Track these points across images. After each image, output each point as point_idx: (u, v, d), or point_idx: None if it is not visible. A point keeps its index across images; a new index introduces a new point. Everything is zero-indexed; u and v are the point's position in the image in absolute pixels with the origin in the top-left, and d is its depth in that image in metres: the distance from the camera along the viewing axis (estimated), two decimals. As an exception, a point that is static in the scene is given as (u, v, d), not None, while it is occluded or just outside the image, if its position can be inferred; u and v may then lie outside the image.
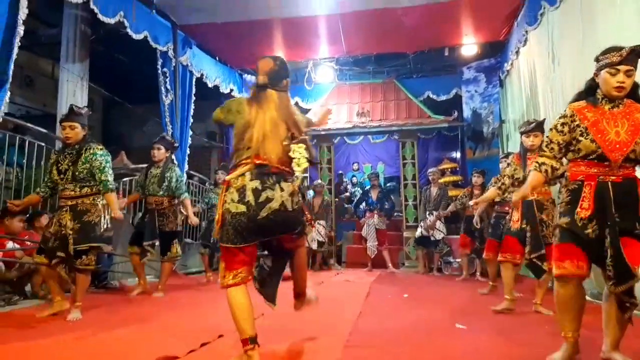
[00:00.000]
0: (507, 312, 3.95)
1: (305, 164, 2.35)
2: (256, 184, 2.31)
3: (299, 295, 2.78)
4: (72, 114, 3.70)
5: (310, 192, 8.52)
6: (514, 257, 4.01)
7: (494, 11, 7.06)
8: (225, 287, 2.32)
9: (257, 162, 2.34)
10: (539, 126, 3.89)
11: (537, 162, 2.49)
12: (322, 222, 8.12)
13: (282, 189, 2.33)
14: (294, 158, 2.34)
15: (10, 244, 4.52)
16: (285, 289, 2.66)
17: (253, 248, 2.39)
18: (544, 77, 5.89)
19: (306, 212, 2.57)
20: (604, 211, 2.24)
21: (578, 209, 2.29)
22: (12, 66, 4.09)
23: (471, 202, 5.05)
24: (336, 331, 3.15)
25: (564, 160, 2.49)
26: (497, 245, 4.85)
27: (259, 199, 2.28)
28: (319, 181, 8.61)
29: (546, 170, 2.45)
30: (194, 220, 5.18)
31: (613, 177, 2.28)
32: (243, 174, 2.33)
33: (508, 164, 4.12)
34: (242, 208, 2.28)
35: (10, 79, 4.06)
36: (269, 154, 2.35)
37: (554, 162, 2.44)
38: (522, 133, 3.97)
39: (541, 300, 3.95)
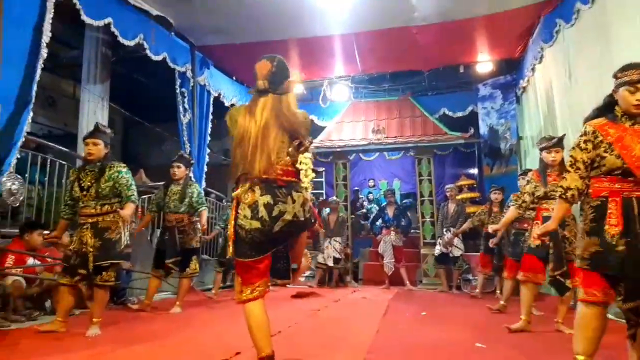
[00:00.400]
0: (520, 332, 3.86)
1: (312, 175, 2.41)
2: (267, 198, 2.26)
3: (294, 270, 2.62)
4: (97, 131, 3.79)
5: (326, 210, 8.53)
6: (535, 276, 3.93)
7: (509, 29, 7.07)
8: (243, 302, 2.30)
9: (264, 176, 2.27)
10: (560, 142, 3.86)
11: (562, 188, 2.42)
12: (338, 238, 8.09)
13: (293, 201, 2.30)
14: (301, 169, 2.35)
15: (30, 260, 4.60)
16: (300, 304, 2.66)
17: (268, 259, 2.37)
18: (560, 94, 5.86)
19: (317, 220, 2.56)
20: (629, 227, 2.21)
21: (607, 227, 2.25)
22: (35, 87, 4.22)
23: (491, 229, 4.88)
24: (354, 349, 3.12)
25: None
26: (517, 265, 4.77)
27: (273, 214, 2.25)
28: (334, 198, 8.61)
29: (573, 196, 2.39)
30: (203, 222, 5.17)
31: (638, 193, 2.24)
32: (252, 189, 2.28)
33: (528, 181, 4.06)
34: (256, 224, 2.24)
35: (33, 100, 4.18)
36: (270, 167, 2.27)
37: (579, 184, 2.37)
38: (542, 149, 3.93)
39: (563, 319, 3.87)
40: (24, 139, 4.12)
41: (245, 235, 2.27)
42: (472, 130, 9.04)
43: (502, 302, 5.09)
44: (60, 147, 6.08)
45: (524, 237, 4.57)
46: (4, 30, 3.89)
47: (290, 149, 2.33)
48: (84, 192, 3.70)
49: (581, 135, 2.41)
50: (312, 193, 9.76)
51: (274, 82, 2.36)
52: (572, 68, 5.38)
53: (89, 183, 3.71)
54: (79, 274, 3.63)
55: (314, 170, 2.30)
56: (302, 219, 2.34)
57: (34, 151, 5.49)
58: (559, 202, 2.47)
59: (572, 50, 5.41)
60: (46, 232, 4.25)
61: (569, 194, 2.39)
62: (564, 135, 4.05)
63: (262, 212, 2.24)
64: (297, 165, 2.36)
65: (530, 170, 4.89)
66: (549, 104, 6.46)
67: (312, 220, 2.46)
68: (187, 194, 5.08)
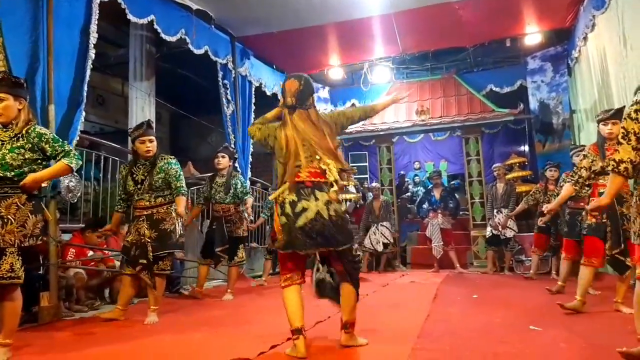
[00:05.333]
0: (573, 312, 3.72)
1: (336, 175, 2.53)
2: (292, 197, 2.54)
3: (346, 325, 2.68)
4: (149, 128, 3.93)
5: (370, 195, 8.49)
6: (599, 261, 3.76)
7: (558, -4, 6.71)
8: (282, 287, 2.64)
9: (296, 180, 2.56)
10: (617, 113, 3.63)
11: (614, 162, 2.29)
12: (386, 223, 8.04)
13: (316, 199, 2.52)
14: (325, 170, 2.54)
15: (90, 253, 4.85)
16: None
17: (300, 257, 2.63)
18: (615, 63, 5.52)
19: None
20: None
21: None
22: (85, 87, 4.38)
23: (545, 209, 4.64)
24: (403, 334, 3.10)
25: None
26: (576, 245, 4.59)
27: (296, 210, 2.51)
28: (375, 184, 8.52)
29: (626, 169, 2.26)
30: (249, 208, 5.39)
31: None
32: (283, 191, 2.58)
33: (584, 156, 3.84)
34: (284, 220, 2.54)
35: (85, 100, 4.35)
36: (301, 171, 2.57)
37: (632, 156, 2.23)
38: (599, 121, 3.74)
39: (622, 299, 3.69)
40: (78, 138, 4.29)
41: (280, 230, 2.56)
42: (521, 106, 8.68)
43: (560, 283, 4.91)
44: (112, 144, 6.34)
45: (581, 217, 4.38)
46: (54, 34, 4.05)
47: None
48: (138, 186, 3.84)
49: (632, 105, 2.27)
50: (357, 177, 9.73)
51: (301, 99, 2.66)
52: (627, 35, 5.05)
53: (142, 177, 3.85)
54: (140, 263, 3.78)
55: (340, 169, 2.39)
56: (326, 217, 2.49)
57: (88, 149, 5.74)
58: (612, 176, 2.35)
59: (627, 16, 5.06)
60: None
61: (621, 167, 2.27)
62: (624, 106, 3.81)
63: (287, 208, 2.54)
64: (322, 166, 2.56)
65: (583, 146, 4.65)
66: (603, 74, 6.10)
67: (345, 227, 2.58)
68: (232, 185, 5.20)
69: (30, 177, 2.70)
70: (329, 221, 2.50)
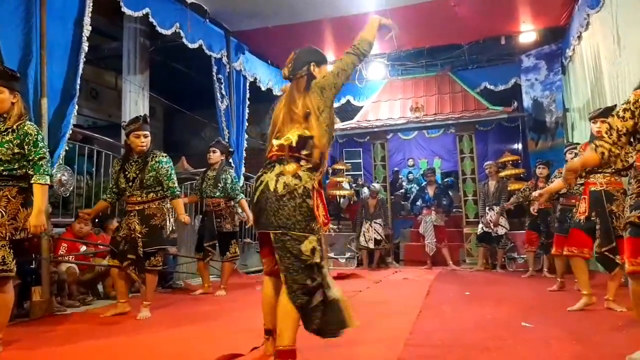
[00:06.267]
0: (587, 309, 3.73)
1: (286, 140, 2.19)
2: (260, 172, 2.27)
3: (270, 332, 2.39)
4: (145, 123, 3.89)
5: (365, 191, 8.50)
6: (581, 251, 3.80)
7: (553, -6, 6.73)
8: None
9: (268, 155, 2.30)
10: (606, 111, 3.66)
11: (594, 144, 2.37)
12: (379, 220, 8.07)
13: (272, 171, 2.18)
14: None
15: (83, 248, 4.82)
16: (341, 286, 2.66)
17: (267, 239, 2.21)
18: (609, 62, 5.55)
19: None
20: None
21: None
22: (78, 80, 4.34)
23: (535, 193, 4.77)
24: (396, 330, 3.11)
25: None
26: (564, 240, 4.64)
27: (257, 184, 2.24)
28: (375, 185, 8.52)
29: (602, 153, 2.31)
30: (251, 219, 5.27)
31: None
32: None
33: (576, 154, 3.91)
34: (252, 197, 2.28)
35: (77, 93, 4.31)
36: (274, 145, 2.26)
37: (613, 148, 2.29)
38: (590, 119, 3.80)
39: (613, 296, 3.72)
40: (70, 131, 4.25)
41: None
42: (515, 104, 8.72)
43: (559, 280, 5.02)
44: (106, 138, 6.29)
45: (571, 213, 4.44)
46: (47, 26, 4.01)
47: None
48: (130, 183, 3.82)
49: (623, 104, 2.31)
50: (350, 175, 9.73)
51: (293, 69, 2.40)
52: (621, 34, 5.09)
53: (134, 174, 3.82)
54: (128, 258, 3.77)
55: (302, 137, 2.06)
56: (272, 189, 2.11)
57: (81, 143, 5.70)
58: (588, 150, 2.41)
59: (621, 16, 5.09)
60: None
61: (598, 150, 2.32)
62: (614, 105, 3.84)
63: (254, 184, 2.28)
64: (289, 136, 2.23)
65: (577, 144, 4.69)
66: (597, 73, 6.14)
67: (293, 207, 2.10)
68: (221, 180, 5.17)
69: (30, 224, 2.70)
70: (272, 194, 2.11)
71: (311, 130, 2.21)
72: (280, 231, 2.08)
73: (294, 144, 2.18)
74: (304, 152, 2.20)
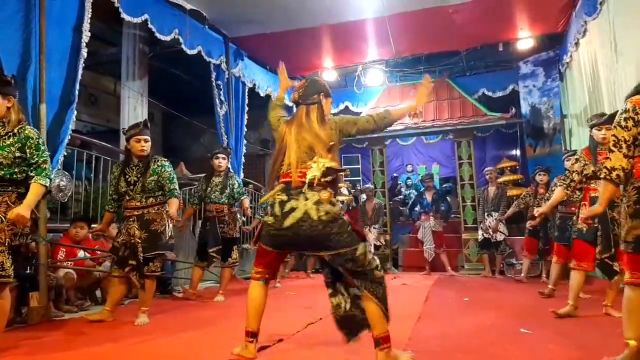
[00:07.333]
0: (567, 317, 3.75)
1: (317, 172, 2.40)
2: (283, 196, 2.47)
3: (378, 341, 2.56)
4: (146, 127, 3.90)
5: (363, 196, 8.50)
6: (588, 265, 3.79)
7: (550, 2, 6.76)
8: (250, 279, 2.68)
9: (285, 179, 2.50)
10: (611, 119, 3.65)
11: (606, 169, 2.31)
12: (377, 225, 8.08)
13: (306, 199, 2.40)
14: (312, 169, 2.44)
15: (81, 253, 4.81)
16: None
17: (278, 257, 2.63)
18: (606, 69, 5.58)
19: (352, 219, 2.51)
20: None
21: None
22: (77, 86, 4.34)
23: (536, 213, 4.62)
24: (395, 336, 3.09)
25: None
26: (565, 250, 4.63)
27: (284, 209, 2.42)
28: (369, 185, 8.54)
29: (618, 176, 2.27)
30: (246, 208, 5.40)
31: None
32: (275, 193, 2.53)
33: (577, 159, 3.87)
34: (271, 219, 2.46)
35: (76, 99, 4.31)
36: (292, 170, 2.47)
37: (624, 163, 2.26)
38: (592, 126, 3.74)
39: (612, 302, 3.73)
40: (69, 137, 4.25)
41: (265, 228, 2.54)
42: (513, 110, 8.74)
43: (550, 287, 4.96)
44: (104, 143, 6.29)
45: (571, 221, 4.41)
46: (46, 32, 4.02)
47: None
48: (131, 187, 3.81)
49: (621, 113, 2.30)
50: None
51: (303, 95, 2.65)
52: (618, 41, 5.12)
53: (135, 178, 3.82)
54: (130, 264, 3.76)
55: (336, 170, 2.32)
56: (315, 218, 2.34)
57: (80, 148, 5.70)
58: (604, 184, 2.35)
59: (618, 23, 5.13)
60: (93, 225, 4.40)
61: (613, 174, 2.28)
62: (616, 112, 3.84)
63: (277, 208, 2.46)
64: (313, 165, 2.45)
65: (575, 151, 4.68)
66: (594, 79, 6.17)
67: (339, 230, 2.35)
68: (228, 185, 5.25)
69: (14, 212, 2.63)
70: (318, 222, 2.34)
71: (333, 160, 2.48)
72: (335, 252, 2.37)
73: (318, 174, 2.41)
74: (329, 179, 2.45)
